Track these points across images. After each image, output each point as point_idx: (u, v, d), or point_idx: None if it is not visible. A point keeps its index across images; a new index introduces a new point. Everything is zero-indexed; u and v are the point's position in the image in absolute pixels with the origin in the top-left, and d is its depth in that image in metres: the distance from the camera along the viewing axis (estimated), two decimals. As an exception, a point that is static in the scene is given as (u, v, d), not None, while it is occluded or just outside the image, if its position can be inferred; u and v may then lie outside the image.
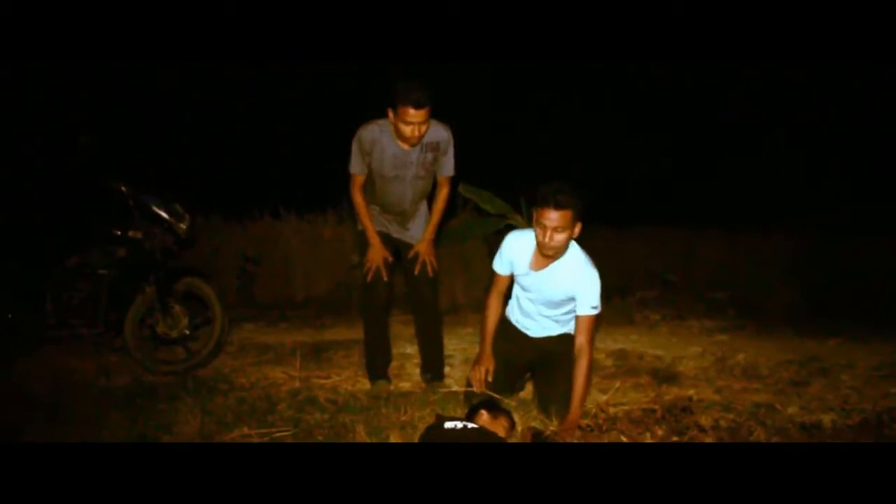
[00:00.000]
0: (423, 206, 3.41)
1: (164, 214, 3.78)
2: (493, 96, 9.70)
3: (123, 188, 3.73)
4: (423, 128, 3.04)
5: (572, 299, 2.86)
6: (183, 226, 3.84)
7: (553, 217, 2.65)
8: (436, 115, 3.12)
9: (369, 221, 3.29)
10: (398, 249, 3.41)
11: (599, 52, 3.16)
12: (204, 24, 2.96)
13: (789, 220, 7.30)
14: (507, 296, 3.16)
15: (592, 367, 2.86)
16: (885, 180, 7.98)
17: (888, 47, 2.91)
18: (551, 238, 2.68)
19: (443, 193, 3.36)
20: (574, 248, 2.84)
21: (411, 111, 2.96)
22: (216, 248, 6.22)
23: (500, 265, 3.03)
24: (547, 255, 2.78)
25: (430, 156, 3.19)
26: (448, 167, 3.29)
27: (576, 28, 3.03)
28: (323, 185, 6.05)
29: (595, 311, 2.81)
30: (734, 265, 6.86)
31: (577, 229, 2.75)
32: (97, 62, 5.92)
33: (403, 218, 3.35)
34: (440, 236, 3.58)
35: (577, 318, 2.86)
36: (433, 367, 3.49)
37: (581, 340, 2.80)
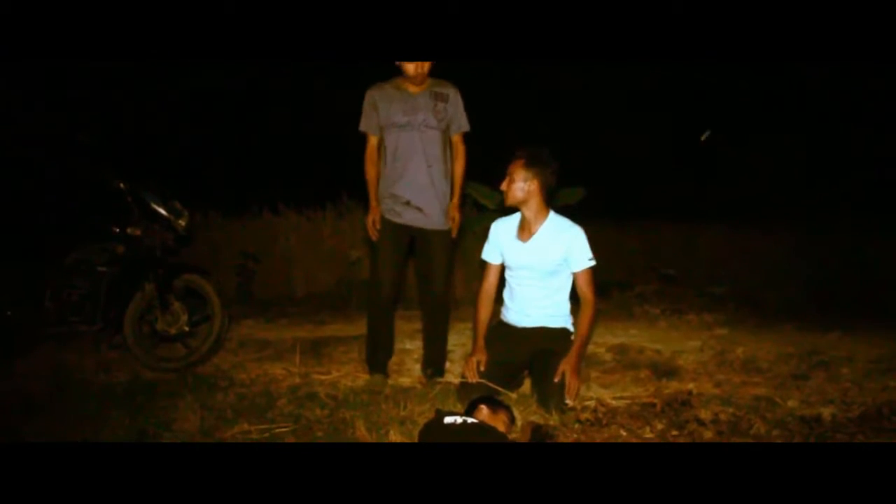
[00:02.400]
0: (444, 188, 3.35)
1: (162, 211, 3.78)
2: (493, 92, 9.69)
3: (122, 185, 3.73)
4: (426, 65, 3.21)
5: (566, 262, 3.03)
6: (182, 223, 3.84)
7: (511, 166, 3.01)
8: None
9: (373, 185, 3.37)
10: (413, 240, 3.41)
11: (600, 51, 3.15)
12: (204, 23, 2.95)
13: (789, 214, 7.31)
14: (500, 299, 3.24)
15: (597, 313, 3.13)
16: (886, 175, 7.99)
17: (888, 47, 2.90)
18: (507, 185, 3.01)
19: (460, 152, 3.42)
20: (554, 213, 3.08)
21: None
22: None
23: (490, 252, 3.21)
24: (506, 202, 3.06)
25: (440, 105, 3.29)
26: (462, 121, 3.38)
27: (576, 25, 3.03)
28: (322, 182, 6.06)
29: (591, 263, 3.03)
30: (734, 259, 6.86)
31: (535, 184, 2.98)
32: (97, 62, 5.92)
33: (420, 194, 3.29)
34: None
35: (576, 275, 3.05)
36: (435, 362, 3.49)
37: (585, 293, 3.04)
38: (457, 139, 3.41)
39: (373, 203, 3.37)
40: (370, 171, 3.38)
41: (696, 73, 8.89)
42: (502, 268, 3.20)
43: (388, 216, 3.34)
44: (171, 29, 2.98)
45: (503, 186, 3.04)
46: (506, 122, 9.30)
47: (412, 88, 3.28)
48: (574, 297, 3.13)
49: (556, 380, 2.86)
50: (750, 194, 8.75)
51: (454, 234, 3.41)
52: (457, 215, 3.40)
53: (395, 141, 3.28)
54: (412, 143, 3.27)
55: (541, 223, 3.04)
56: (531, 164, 2.98)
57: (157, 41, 3.00)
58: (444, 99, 3.32)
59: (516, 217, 3.13)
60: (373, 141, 3.36)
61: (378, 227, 3.33)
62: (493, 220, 3.25)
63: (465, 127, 3.40)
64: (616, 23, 3.03)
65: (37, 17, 2.91)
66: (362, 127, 3.35)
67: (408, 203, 3.31)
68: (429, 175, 3.30)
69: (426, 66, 3.23)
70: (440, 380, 3.37)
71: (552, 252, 3.01)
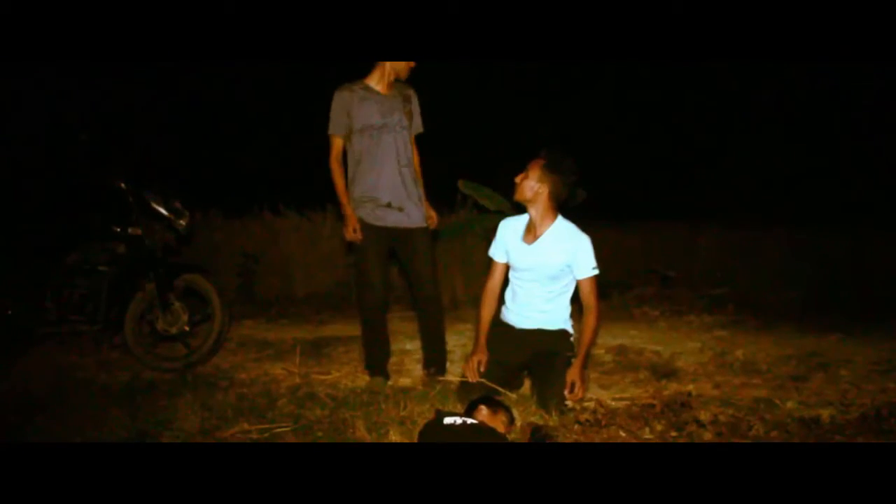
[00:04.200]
0: (417, 186, 3.41)
1: (163, 211, 3.79)
2: (492, 93, 9.70)
3: (123, 185, 3.74)
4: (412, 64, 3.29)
5: (569, 268, 3.01)
6: (183, 222, 3.85)
7: (531, 163, 2.99)
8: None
9: (344, 193, 3.36)
10: (395, 242, 3.42)
11: (599, 51, 3.17)
12: (204, 23, 2.96)
13: (789, 216, 7.31)
14: (502, 299, 3.23)
15: (600, 320, 3.08)
16: (885, 176, 7.99)
17: (888, 47, 2.91)
18: (521, 179, 2.99)
19: (415, 152, 3.48)
20: (562, 219, 3.05)
21: None
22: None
23: (496, 250, 3.19)
24: (515, 196, 3.04)
25: (407, 105, 3.35)
26: (419, 122, 3.46)
27: (574, 25, 3.04)
28: (322, 182, 6.06)
29: (594, 272, 2.99)
30: (733, 261, 6.85)
31: (545, 189, 2.95)
32: (97, 62, 5.93)
33: (399, 194, 3.31)
34: (440, 232, 3.59)
35: (580, 282, 3.02)
36: (436, 361, 3.49)
37: (588, 301, 3.01)
38: (411, 140, 3.45)
39: (348, 211, 3.34)
40: (339, 177, 3.36)
41: (695, 72, 8.90)
42: (508, 267, 3.19)
43: (368, 220, 3.32)
44: (173, 28, 2.99)
45: (517, 179, 3.03)
46: (504, 123, 9.33)
47: (383, 90, 3.29)
48: (574, 300, 3.13)
49: (565, 391, 2.87)
50: (750, 195, 8.76)
51: (433, 225, 3.47)
52: (433, 213, 3.46)
53: (368, 143, 3.27)
54: (387, 144, 3.28)
55: (546, 227, 3.02)
56: (548, 168, 2.95)
57: (158, 40, 3.01)
58: (409, 100, 3.38)
59: (525, 218, 3.12)
60: (339, 144, 3.34)
61: (360, 234, 3.32)
62: (492, 220, 3.27)
63: (421, 128, 3.47)
64: (615, 22, 3.04)
65: (37, 16, 2.92)
66: (332, 130, 3.31)
67: (388, 205, 3.31)
68: (403, 175, 3.33)
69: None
70: (440, 379, 3.38)
71: (555, 257, 2.99)
